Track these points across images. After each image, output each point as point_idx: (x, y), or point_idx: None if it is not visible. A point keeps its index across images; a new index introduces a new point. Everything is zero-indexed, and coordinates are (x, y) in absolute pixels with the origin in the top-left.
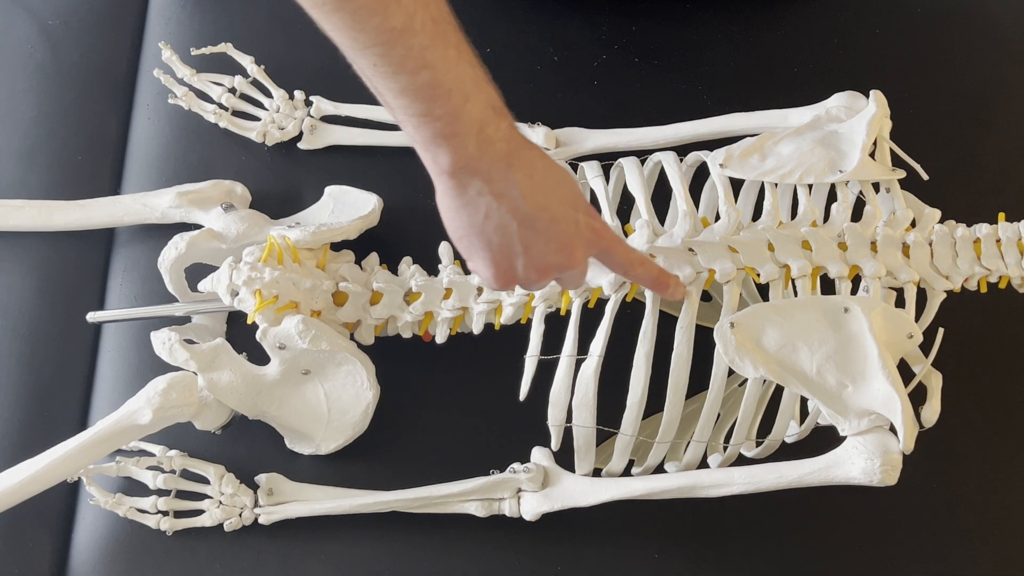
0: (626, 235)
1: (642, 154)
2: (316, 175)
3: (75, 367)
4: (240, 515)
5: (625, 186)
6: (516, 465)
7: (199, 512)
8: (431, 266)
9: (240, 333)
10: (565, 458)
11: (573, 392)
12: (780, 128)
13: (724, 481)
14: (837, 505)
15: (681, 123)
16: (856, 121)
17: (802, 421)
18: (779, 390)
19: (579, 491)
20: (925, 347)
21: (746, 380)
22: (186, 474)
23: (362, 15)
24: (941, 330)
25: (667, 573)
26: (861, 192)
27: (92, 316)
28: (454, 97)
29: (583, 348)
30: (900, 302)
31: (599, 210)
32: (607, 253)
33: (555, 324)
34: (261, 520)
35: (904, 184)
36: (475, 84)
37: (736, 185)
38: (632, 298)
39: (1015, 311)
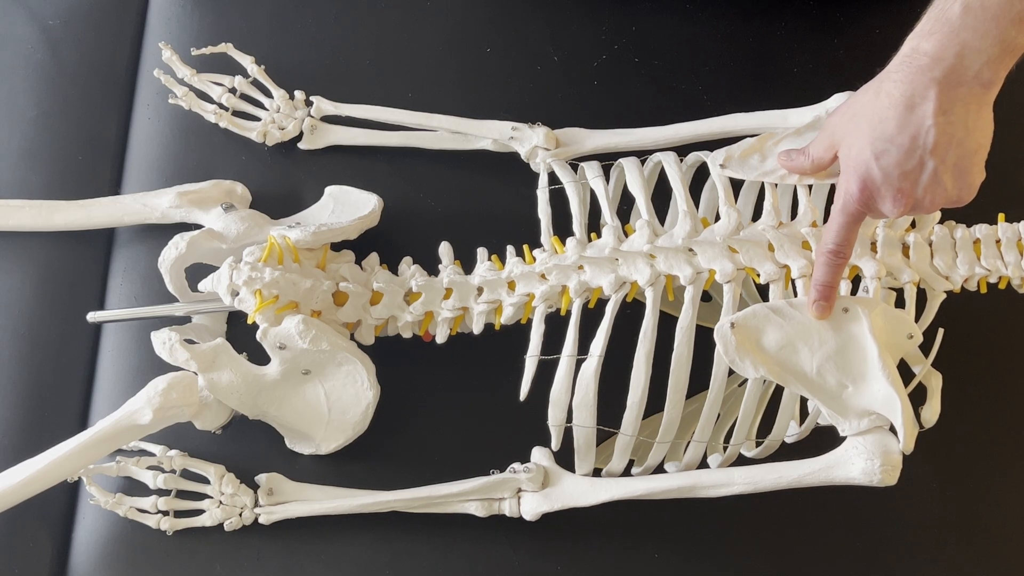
0: (626, 235)
1: (642, 154)
2: (316, 175)
3: (75, 367)
4: (240, 515)
5: (625, 186)
6: (516, 465)
7: (199, 512)
8: (431, 266)
9: (240, 333)
10: (565, 458)
11: (573, 392)
12: (780, 128)
13: (724, 481)
14: (837, 505)
15: (681, 123)
16: None
17: (802, 421)
18: (779, 390)
19: (579, 491)
20: (925, 347)
21: (746, 380)
22: (186, 474)
23: None
24: (941, 330)
25: (667, 573)
26: None
27: (92, 316)
28: None
29: (583, 348)
30: (900, 302)
31: (599, 211)
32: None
33: (555, 324)
34: (261, 520)
35: None
36: None
37: (736, 185)
38: (632, 298)
39: (1015, 311)
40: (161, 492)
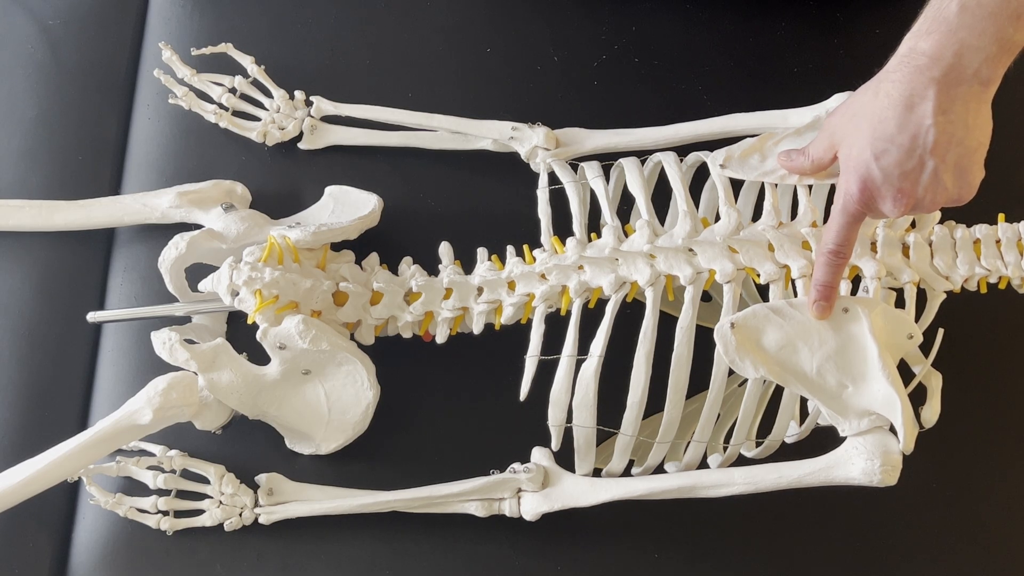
0: (626, 235)
1: (642, 154)
2: (316, 175)
3: (75, 367)
4: (240, 515)
5: (625, 186)
6: (516, 465)
7: (199, 512)
8: (431, 266)
9: (240, 333)
10: (565, 458)
11: (573, 392)
12: (780, 128)
13: (724, 481)
14: (837, 505)
15: (681, 123)
16: None
17: (802, 421)
18: (779, 390)
19: (579, 491)
20: (925, 347)
21: (746, 380)
22: (186, 474)
23: None
24: (941, 330)
25: (667, 573)
26: None
27: (92, 316)
28: None
29: (583, 348)
30: (900, 302)
31: (599, 211)
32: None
33: (555, 324)
34: (261, 520)
35: None
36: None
37: (736, 185)
38: (632, 298)
39: (1015, 311)
40: (161, 492)
